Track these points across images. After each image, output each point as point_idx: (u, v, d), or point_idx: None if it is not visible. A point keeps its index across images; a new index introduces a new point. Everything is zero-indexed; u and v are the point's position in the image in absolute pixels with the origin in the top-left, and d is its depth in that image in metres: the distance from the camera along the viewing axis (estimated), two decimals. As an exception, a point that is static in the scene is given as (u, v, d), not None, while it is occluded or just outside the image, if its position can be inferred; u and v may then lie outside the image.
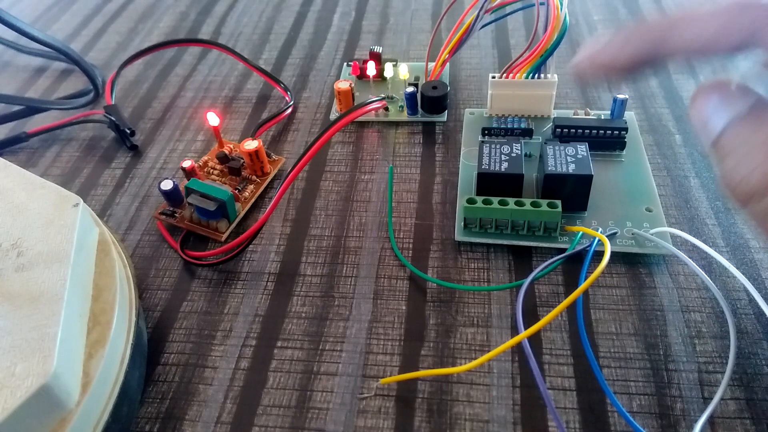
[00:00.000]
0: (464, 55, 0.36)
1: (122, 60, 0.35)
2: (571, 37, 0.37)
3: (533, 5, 0.27)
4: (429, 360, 0.21)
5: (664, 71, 0.33)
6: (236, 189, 0.28)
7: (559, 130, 0.28)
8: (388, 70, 0.32)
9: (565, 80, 0.33)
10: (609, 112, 0.29)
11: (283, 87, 0.34)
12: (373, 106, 0.29)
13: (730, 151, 0.16)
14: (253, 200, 0.28)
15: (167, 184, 0.26)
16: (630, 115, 0.30)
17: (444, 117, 0.31)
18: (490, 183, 0.25)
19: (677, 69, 0.33)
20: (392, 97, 0.33)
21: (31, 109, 0.34)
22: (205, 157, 0.30)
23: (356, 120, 0.31)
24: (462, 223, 0.25)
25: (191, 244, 0.26)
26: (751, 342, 0.21)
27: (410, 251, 0.25)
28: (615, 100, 0.28)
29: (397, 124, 0.32)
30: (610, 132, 0.27)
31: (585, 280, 0.19)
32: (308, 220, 0.27)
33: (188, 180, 0.26)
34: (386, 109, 0.32)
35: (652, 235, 0.23)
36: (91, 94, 0.36)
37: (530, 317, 0.22)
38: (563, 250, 0.23)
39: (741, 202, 0.15)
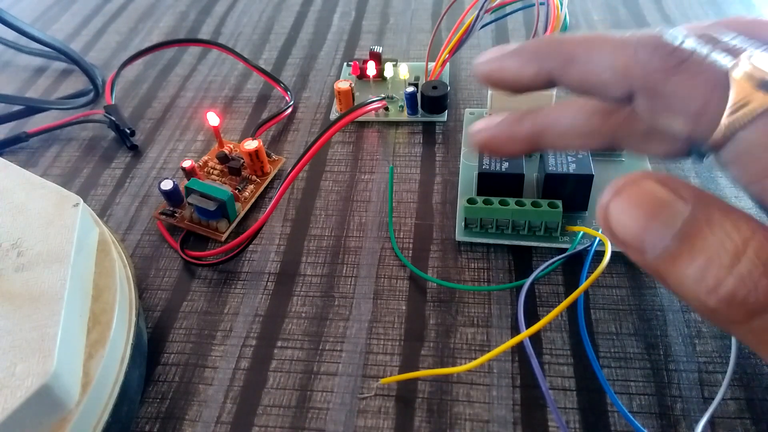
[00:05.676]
0: (464, 55, 0.36)
1: (122, 60, 0.35)
2: (571, 37, 0.37)
3: (533, 5, 0.27)
4: (429, 360, 0.21)
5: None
6: (236, 189, 0.28)
7: (560, 130, 0.28)
8: (388, 70, 0.32)
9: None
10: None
11: (283, 87, 0.34)
12: (373, 106, 0.29)
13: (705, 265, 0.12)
14: (253, 200, 0.28)
15: (167, 184, 0.26)
16: (630, 115, 0.30)
17: (444, 117, 0.31)
18: (490, 183, 0.25)
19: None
20: (392, 97, 0.33)
21: (31, 109, 0.34)
22: (205, 157, 0.30)
23: (356, 120, 0.31)
24: (463, 223, 0.25)
25: (191, 244, 0.26)
26: (752, 342, 0.21)
27: (410, 251, 0.25)
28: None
29: (397, 124, 0.32)
30: (610, 132, 0.27)
31: (585, 280, 0.19)
32: (308, 220, 0.27)
33: (188, 180, 0.26)
34: (386, 109, 0.32)
35: (652, 235, 0.23)
36: (91, 94, 0.36)
37: (530, 317, 0.22)
38: (564, 250, 0.23)
39: (739, 317, 0.12)
